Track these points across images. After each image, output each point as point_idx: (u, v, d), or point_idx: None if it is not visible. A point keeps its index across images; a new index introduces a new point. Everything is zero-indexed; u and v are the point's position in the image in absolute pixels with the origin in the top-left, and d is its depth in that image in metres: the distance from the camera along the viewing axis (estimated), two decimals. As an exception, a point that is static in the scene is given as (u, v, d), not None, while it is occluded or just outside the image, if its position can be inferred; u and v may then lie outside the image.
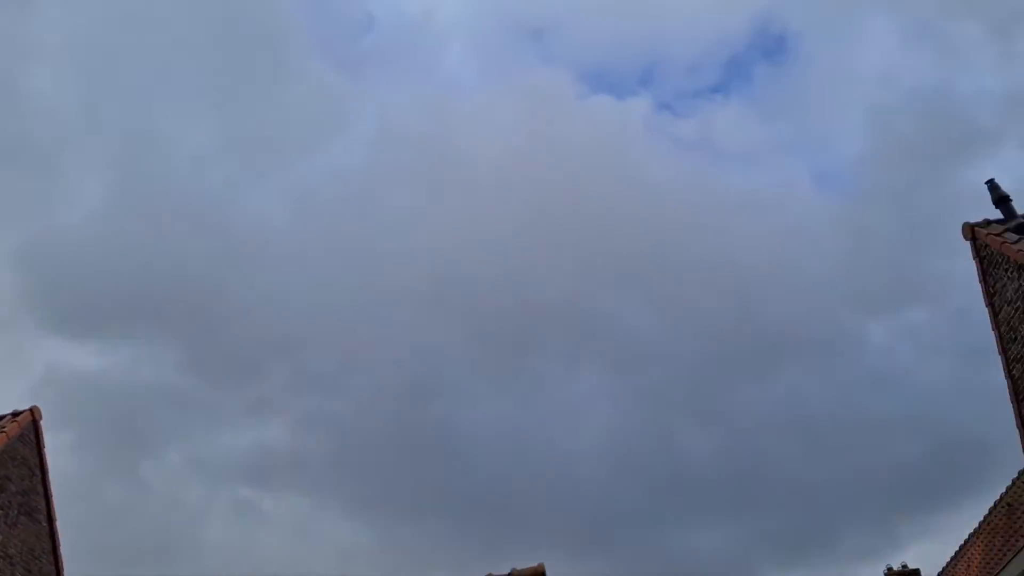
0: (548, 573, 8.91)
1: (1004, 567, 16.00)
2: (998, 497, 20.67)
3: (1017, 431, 12.79)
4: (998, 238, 12.65)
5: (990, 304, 13.20)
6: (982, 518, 21.48)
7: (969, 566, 20.87)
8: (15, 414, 13.85)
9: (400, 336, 60.65)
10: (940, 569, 24.68)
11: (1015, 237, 12.54)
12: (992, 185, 13.27)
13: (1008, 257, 12.43)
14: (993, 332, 13.13)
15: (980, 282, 13.29)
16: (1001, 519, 19.61)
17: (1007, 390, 13.02)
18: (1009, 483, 20.10)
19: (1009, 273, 12.57)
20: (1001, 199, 13.12)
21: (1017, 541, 17.00)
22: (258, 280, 56.89)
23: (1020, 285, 12.35)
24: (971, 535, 21.97)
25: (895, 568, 25.28)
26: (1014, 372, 12.87)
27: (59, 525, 14.16)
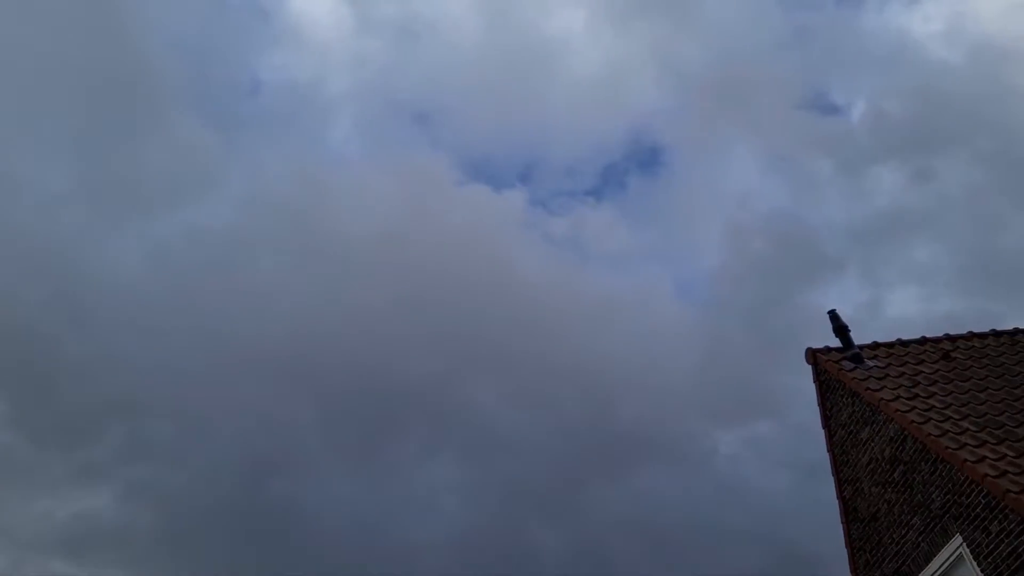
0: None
1: None
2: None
3: (847, 551, 13.34)
4: (836, 365, 13.46)
5: (826, 426, 13.93)
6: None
7: None
8: None
9: (248, 407, 58.02)
10: None
11: (851, 365, 13.37)
12: (833, 315, 14.18)
13: (843, 383, 13.22)
14: (828, 453, 13.81)
15: (819, 404, 14.03)
16: (827, 638, 20.21)
17: (838, 511, 13.62)
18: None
19: (844, 399, 13.34)
20: (840, 329, 14.01)
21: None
22: (98, 335, 53.51)
23: (853, 411, 13.11)
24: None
25: None
26: (845, 493, 13.52)
27: None
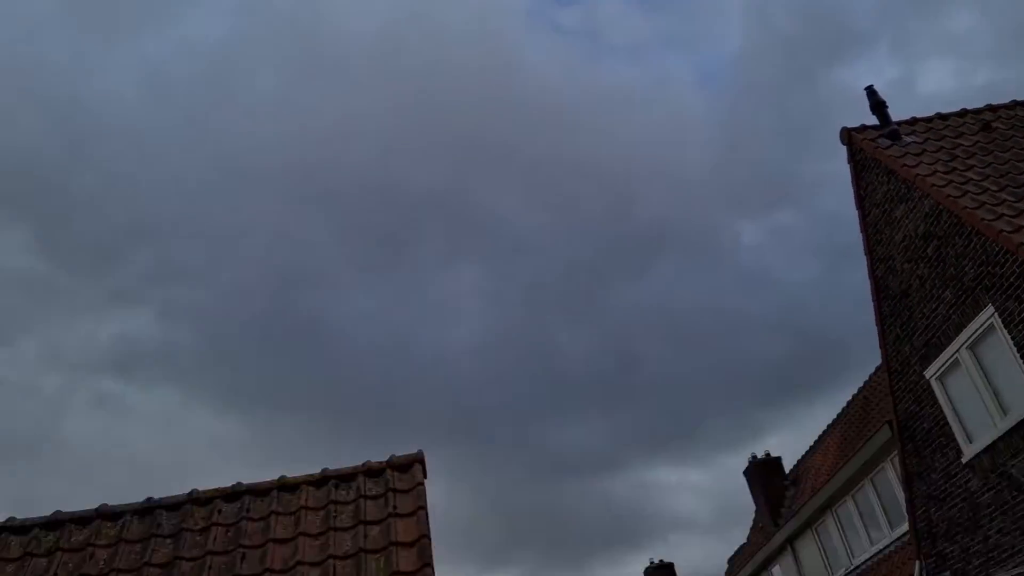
0: (427, 461, 9.03)
1: (857, 451, 17.26)
2: (856, 391, 22.12)
3: (876, 328, 13.56)
4: (872, 143, 13.10)
5: (860, 206, 13.77)
6: (840, 410, 23.01)
7: (826, 453, 22.42)
8: None
9: (268, 226, 58.90)
10: (799, 456, 26.48)
11: (887, 143, 13.02)
12: (870, 91, 13.66)
13: (879, 161, 12.92)
14: (861, 233, 13.74)
15: (853, 184, 13.81)
16: (857, 410, 21.03)
17: (870, 290, 13.73)
18: (867, 378, 21.51)
19: (879, 177, 13.09)
20: (878, 105, 13.54)
21: (869, 430, 18.27)
22: (106, 162, 53.68)
23: (888, 189, 12.89)
24: (830, 425, 23.54)
25: (759, 456, 26.91)
26: (877, 272, 13.56)
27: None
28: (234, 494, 8.78)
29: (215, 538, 8.18)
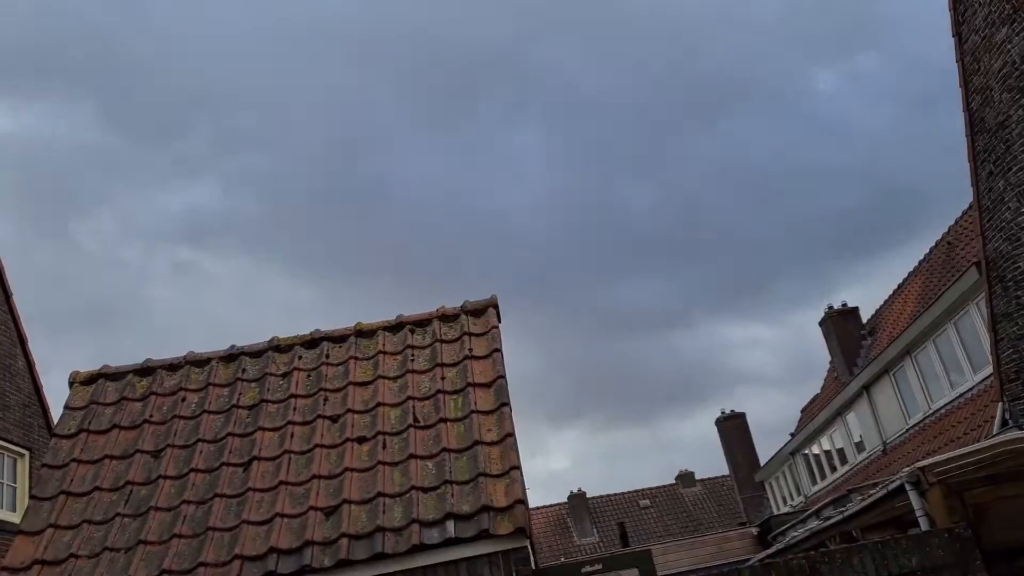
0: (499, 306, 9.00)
1: (938, 299, 16.76)
2: (940, 236, 21.32)
3: (968, 164, 12.81)
4: (973, -40, 11.96)
5: (956, 33, 12.74)
6: (922, 257, 22.28)
7: (906, 301, 21.93)
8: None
9: (328, 89, 58.37)
10: (876, 307, 25.99)
11: (991, -41, 11.86)
12: (974, -98, 12.35)
13: (981, -19, 11.83)
14: (957, 63, 12.78)
15: (950, 9, 12.74)
16: (940, 256, 20.35)
17: (964, 124, 12.89)
18: (951, 223, 20.67)
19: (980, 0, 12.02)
20: (981, -83, 12.26)
21: (953, 276, 17.68)
22: (164, 28, 53.25)
23: (989, 12, 11.85)
24: (910, 273, 22.89)
25: (835, 307, 26.51)
26: (972, 104, 12.69)
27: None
28: (313, 341, 8.97)
29: (297, 382, 8.42)
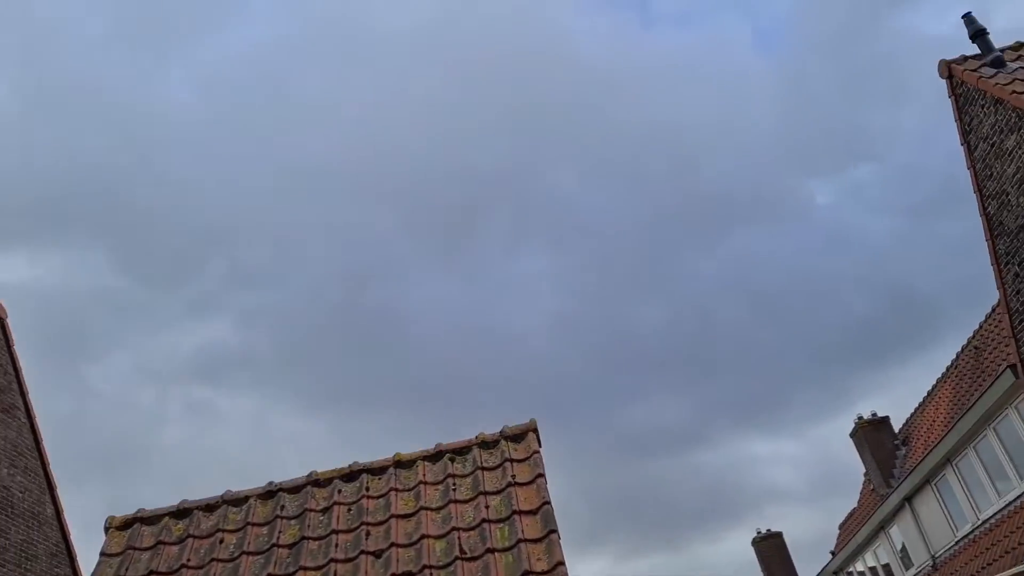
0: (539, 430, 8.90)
1: (974, 404, 16.48)
2: (964, 342, 21.16)
3: (992, 268, 12.87)
4: (975, 73, 12.40)
5: (965, 143, 13.07)
6: (949, 363, 22.05)
7: (938, 408, 21.55)
8: (-22, 313, 13.46)
9: (333, 223, 59.62)
10: (904, 417, 25.53)
11: (992, 71, 12.30)
12: (968, 19, 12.92)
13: (985, 92, 12.22)
14: (969, 170, 13.04)
15: (956, 120, 13.10)
16: (968, 361, 20.14)
17: (982, 229, 13.03)
18: (976, 327, 20.56)
19: (985, 109, 12.39)
20: (978, 33, 12.79)
21: (984, 380, 17.47)
22: (171, 172, 55.02)
23: (996, 120, 12.19)
24: (939, 379, 22.59)
25: (865, 418, 26.06)
26: (989, 209, 12.87)
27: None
28: (352, 474, 8.84)
29: (338, 517, 8.25)
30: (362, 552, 7.68)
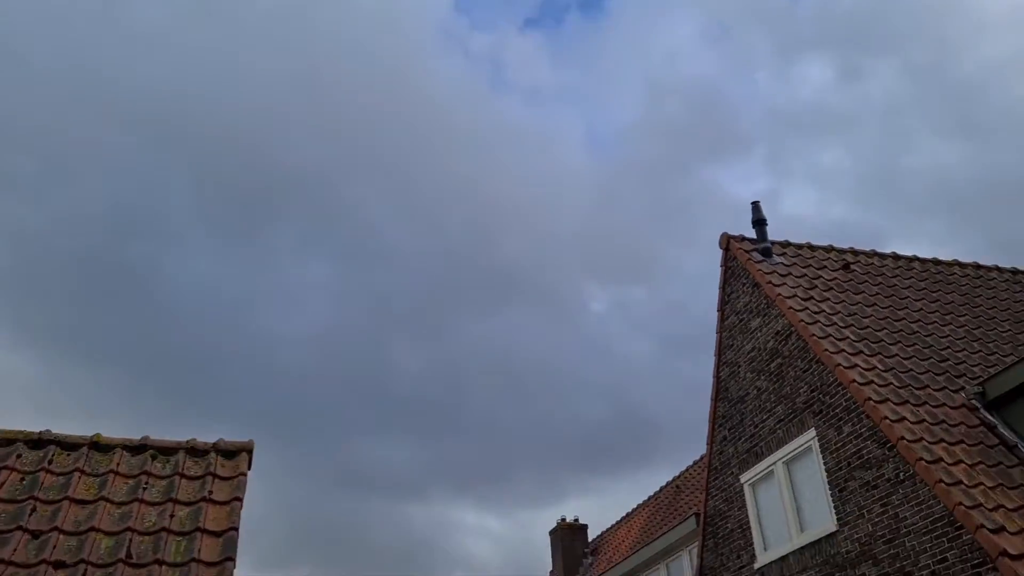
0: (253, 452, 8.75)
1: (658, 537, 17.94)
2: (672, 477, 23.06)
3: (708, 425, 14.26)
4: (746, 254, 13.91)
5: (721, 310, 14.53)
6: (652, 493, 23.88)
7: (630, 530, 23.18)
8: None
9: (120, 159, 55.77)
10: (605, 527, 27.23)
11: (760, 257, 13.86)
12: (755, 206, 14.54)
13: (749, 273, 13.72)
14: (717, 335, 14.49)
15: (720, 288, 14.57)
16: (668, 496, 21.91)
17: (711, 390, 14.43)
18: (684, 468, 22.48)
19: (745, 287, 13.89)
20: (759, 221, 14.41)
21: (674, 519, 19.05)
22: None
23: (750, 300, 13.69)
24: (639, 505, 24.37)
25: (567, 519, 27.49)
26: (721, 374, 14.30)
27: None
28: (40, 441, 8.22)
29: (6, 483, 7.62)
30: (19, 527, 7.12)
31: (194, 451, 8.52)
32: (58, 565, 6.86)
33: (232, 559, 7.26)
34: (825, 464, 11.22)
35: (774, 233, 14.61)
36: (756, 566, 12.39)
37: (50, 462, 7.97)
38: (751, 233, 14.58)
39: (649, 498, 23.85)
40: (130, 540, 7.25)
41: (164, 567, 7.05)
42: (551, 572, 28.08)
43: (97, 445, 8.35)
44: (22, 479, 7.74)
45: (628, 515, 25.01)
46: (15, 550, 6.89)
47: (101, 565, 6.95)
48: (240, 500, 8.00)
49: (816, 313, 12.36)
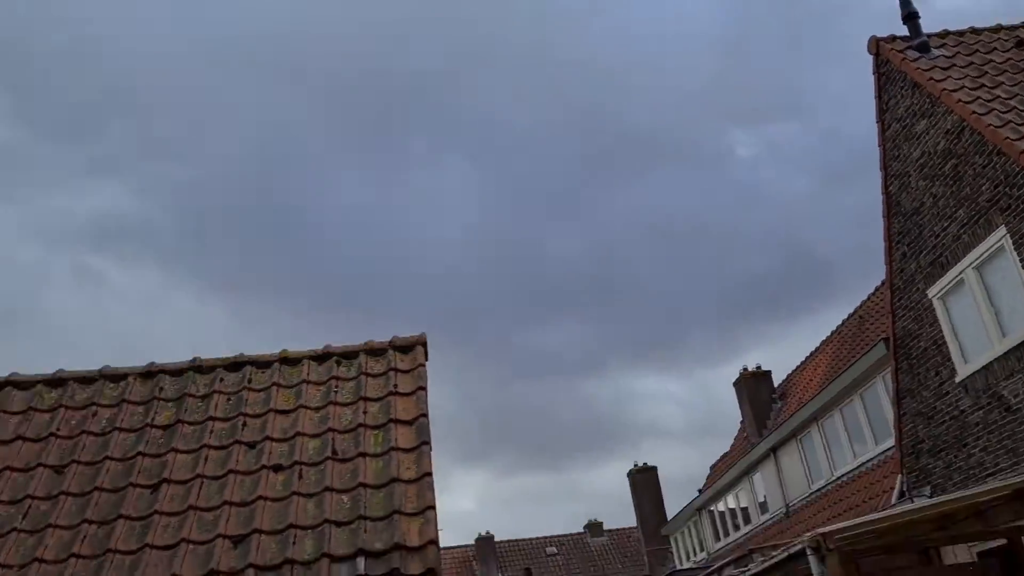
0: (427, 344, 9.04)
1: (847, 369, 17.44)
2: (852, 309, 22.20)
3: (884, 244, 13.48)
4: (900, 54, 12.73)
5: (880, 120, 13.49)
6: (834, 328, 23.14)
7: (816, 369, 22.67)
8: None
9: (254, 104, 57.41)
10: (787, 372, 26.80)
11: (916, 55, 12.65)
12: (903, 1, 13.19)
13: (906, 74, 12.58)
14: (879, 148, 13.50)
15: (876, 97, 13.48)
16: (852, 328, 21.16)
17: (881, 205, 13.58)
18: (864, 298, 21.57)
19: (904, 91, 12.78)
20: (910, 16, 13.08)
21: (861, 349, 18.42)
22: (79, 24, 51.66)
23: (911, 103, 12.60)
24: (822, 342, 23.72)
25: (750, 368, 27.24)
26: (890, 188, 13.39)
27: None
28: (236, 364, 8.84)
29: (216, 404, 8.28)
30: (236, 441, 7.76)
31: (373, 351, 8.92)
32: (276, 468, 7.46)
33: (427, 443, 7.63)
34: (1021, 261, 10.37)
35: (928, 27, 13.26)
36: (957, 379, 11.80)
37: (249, 381, 8.59)
38: (902, 32, 13.29)
39: (832, 334, 23.15)
40: (332, 439, 7.76)
41: (367, 458, 7.51)
42: (741, 423, 28.12)
43: (286, 360, 8.89)
44: (228, 399, 8.39)
45: (812, 354, 24.45)
46: (237, 460, 7.54)
47: (313, 464, 7.49)
48: (424, 389, 8.35)
49: (989, 101, 11.21)
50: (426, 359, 8.85)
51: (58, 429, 7.95)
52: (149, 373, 8.71)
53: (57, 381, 8.55)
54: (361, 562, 6.51)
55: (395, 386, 8.35)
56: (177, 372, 8.76)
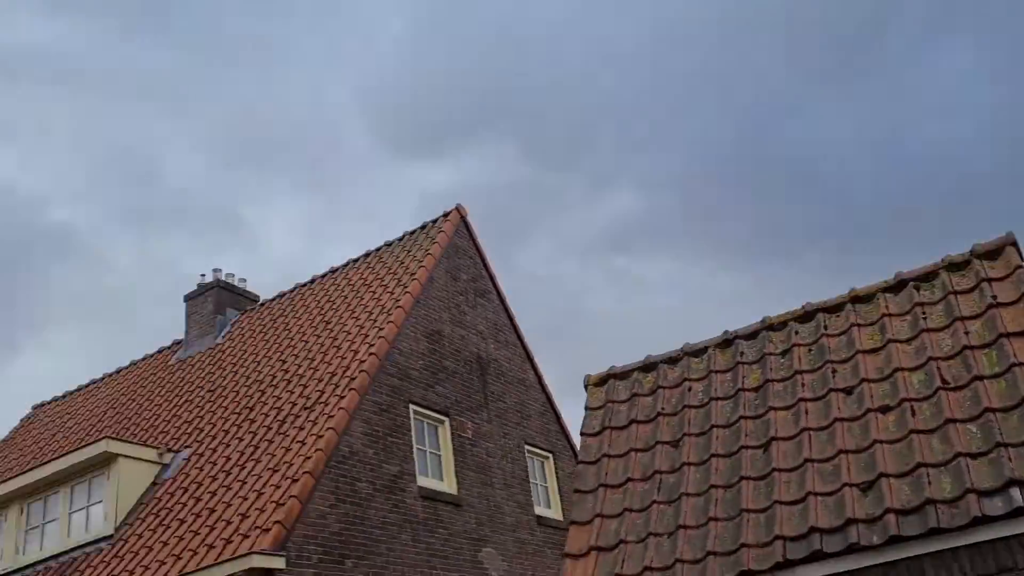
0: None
1: None
2: None
3: None
4: None
5: None
6: None
7: None
8: (445, 215, 15.47)
9: (708, 69, 55.97)
10: None
11: None
12: None
13: None
14: None
15: None
16: None
17: None
18: None
19: None
20: None
21: None
22: (546, 54, 55.45)
23: None
24: None
25: None
26: None
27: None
28: (806, 315, 8.66)
29: (799, 358, 8.17)
30: (831, 390, 7.54)
31: (953, 266, 8.00)
32: (884, 410, 7.05)
33: None
34: None
35: None
36: None
37: (825, 328, 8.32)
38: None
39: None
40: (937, 368, 7.09)
41: (986, 381, 6.71)
42: None
43: (858, 299, 8.44)
44: (809, 350, 8.22)
45: None
46: (839, 408, 7.31)
47: (922, 398, 6.92)
48: (1030, 293, 7.21)
49: None
50: (1022, 260, 7.65)
51: (663, 408, 8.58)
52: (726, 342, 8.97)
53: (649, 366, 9.27)
54: (1015, 493, 5.79)
55: (993, 297, 7.35)
56: (752, 335, 8.87)
